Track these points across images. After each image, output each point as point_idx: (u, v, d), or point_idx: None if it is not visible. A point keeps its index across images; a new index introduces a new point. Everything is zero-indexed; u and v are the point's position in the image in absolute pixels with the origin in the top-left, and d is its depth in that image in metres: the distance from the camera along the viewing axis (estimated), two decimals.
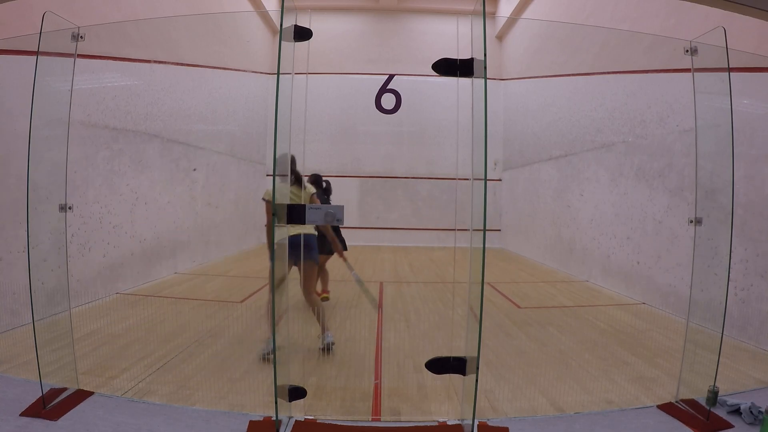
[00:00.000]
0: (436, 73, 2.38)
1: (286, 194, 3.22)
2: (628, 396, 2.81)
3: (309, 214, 2.32)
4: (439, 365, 2.50)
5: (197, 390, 2.78)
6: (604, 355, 3.58)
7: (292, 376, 2.57)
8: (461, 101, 2.40)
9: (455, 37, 2.55)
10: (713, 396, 2.51)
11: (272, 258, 2.68)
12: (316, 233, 3.64)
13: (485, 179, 2.10)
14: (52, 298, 2.60)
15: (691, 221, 2.68)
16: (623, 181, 6.08)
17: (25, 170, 2.44)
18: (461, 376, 2.45)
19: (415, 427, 2.41)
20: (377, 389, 2.89)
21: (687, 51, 2.67)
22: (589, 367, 3.31)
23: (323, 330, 3.52)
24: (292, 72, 2.32)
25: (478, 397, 2.27)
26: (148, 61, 6.05)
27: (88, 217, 4.88)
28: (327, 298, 4.82)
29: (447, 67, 2.36)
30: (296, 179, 3.49)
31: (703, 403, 2.57)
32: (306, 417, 2.48)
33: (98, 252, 5.04)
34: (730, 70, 2.49)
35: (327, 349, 3.46)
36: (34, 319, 2.42)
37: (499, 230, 11.37)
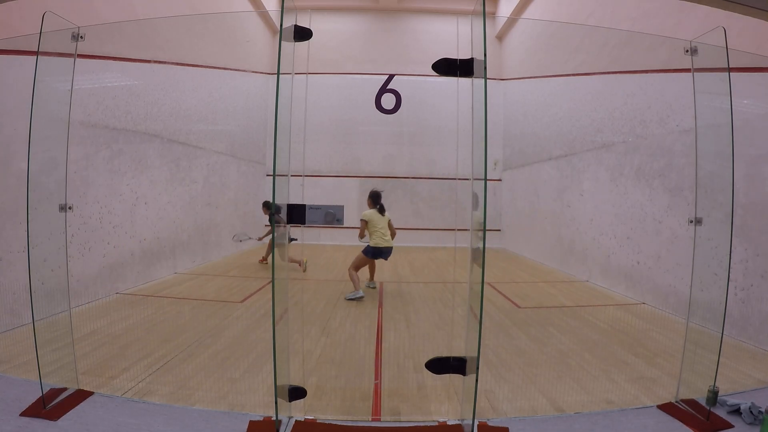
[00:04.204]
0: (436, 73, 2.38)
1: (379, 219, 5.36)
2: (628, 396, 2.81)
3: (309, 214, 2.32)
4: (439, 365, 2.50)
5: (197, 390, 2.78)
6: (604, 355, 3.58)
7: (292, 376, 2.57)
8: (461, 101, 2.40)
9: (455, 37, 2.55)
10: (713, 396, 2.52)
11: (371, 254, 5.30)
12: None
13: (485, 179, 2.10)
14: (52, 298, 2.60)
15: (691, 221, 2.68)
16: (623, 181, 6.08)
17: (25, 170, 2.44)
18: (461, 376, 2.45)
19: (415, 427, 2.41)
20: (377, 389, 2.89)
21: (687, 51, 2.67)
22: (589, 367, 3.31)
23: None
24: (292, 72, 2.32)
25: (478, 397, 2.27)
26: (148, 61, 6.05)
27: (88, 217, 4.88)
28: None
29: (447, 67, 2.36)
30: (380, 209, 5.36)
31: (703, 403, 2.57)
32: (306, 417, 2.48)
33: (98, 252, 5.04)
34: (730, 70, 2.49)
35: None
36: (34, 319, 2.42)
37: (499, 230, 11.37)
